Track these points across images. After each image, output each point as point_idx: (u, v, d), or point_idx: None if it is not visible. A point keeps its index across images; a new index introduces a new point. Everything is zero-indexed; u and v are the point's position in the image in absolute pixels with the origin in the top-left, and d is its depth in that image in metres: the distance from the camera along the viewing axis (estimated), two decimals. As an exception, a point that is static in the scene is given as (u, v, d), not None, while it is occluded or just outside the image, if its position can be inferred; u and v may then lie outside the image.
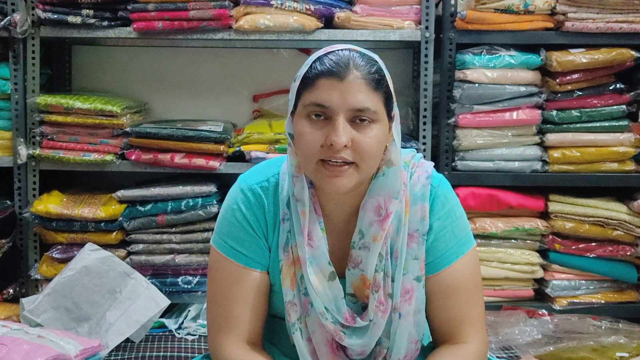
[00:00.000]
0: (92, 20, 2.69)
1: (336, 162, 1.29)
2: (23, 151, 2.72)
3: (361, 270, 1.39)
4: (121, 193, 2.73)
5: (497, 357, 1.93)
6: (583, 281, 2.80)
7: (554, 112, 2.75)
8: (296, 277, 1.40)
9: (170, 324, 2.64)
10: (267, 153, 2.72)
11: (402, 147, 1.42)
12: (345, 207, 1.41)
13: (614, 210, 2.75)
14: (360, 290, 1.41)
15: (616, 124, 2.76)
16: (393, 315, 1.39)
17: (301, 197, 1.38)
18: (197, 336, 2.58)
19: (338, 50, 1.33)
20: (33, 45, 2.73)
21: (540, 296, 2.85)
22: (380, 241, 1.36)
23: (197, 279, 2.73)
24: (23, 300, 2.52)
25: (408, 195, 1.40)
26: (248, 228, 1.42)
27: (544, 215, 2.80)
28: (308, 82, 1.31)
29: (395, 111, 1.38)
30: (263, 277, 1.44)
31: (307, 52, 3.09)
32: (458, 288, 1.41)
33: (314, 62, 1.32)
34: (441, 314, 1.43)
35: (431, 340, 1.51)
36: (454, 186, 2.82)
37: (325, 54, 1.32)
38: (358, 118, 1.29)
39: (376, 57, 1.37)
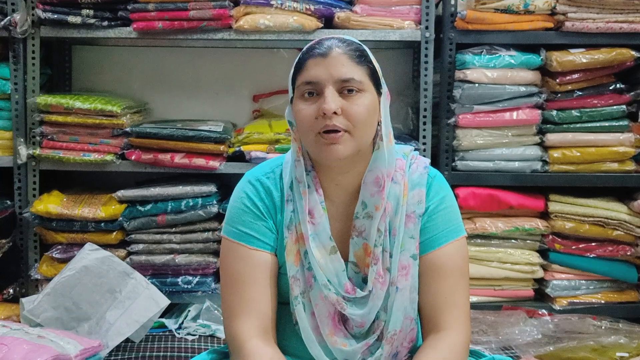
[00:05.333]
0: (92, 20, 2.69)
1: (331, 130, 1.40)
2: (23, 151, 2.73)
3: (364, 239, 1.49)
4: (121, 193, 2.73)
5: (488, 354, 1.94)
6: (583, 281, 2.80)
7: (554, 112, 2.75)
8: (300, 253, 1.50)
9: (170, 324, 2.64)
10: (267, 153, 2.72)
11: (401, 144, 1.51)
12: (345, 188, 1.51)
13: (614, 210, 2.75)
14: (362, 259, 1.49)
15: (616, 124, 2.76)
16: (391, 288, 1.47)
17: (302, 179, 1.48)
18: (197, 336, 2.58)
19: (324, 39, 1.48)
20: (33, 45, 2.73)
21: (540, 296, 2.85)
22: (381, 210, 1.46)
23: (197, 279, 2.73)
24: (23, 300, 2.52)
25: (407, 181, 1.51)
26: (256, 211, 1.52)
27: (544, 215, 2.80)
28: (299, 67, 1.46)
29: (384, 89, 1.49)
30: (273, 258, 1.52)
31: (307, 52, 3.09)
32: (445, 271, 1.49)
33: (303, 51, 1.47)
34: (428, 295, 1.49)
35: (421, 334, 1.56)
36: (454, 186, 2.82)
37: (314, 44, 1.47)
38: (346, 89, 1.42)
39: (360, 43, 1.49)
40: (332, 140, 1.40)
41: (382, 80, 1.48)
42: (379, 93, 1.47)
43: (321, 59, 1.42)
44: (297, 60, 1.47)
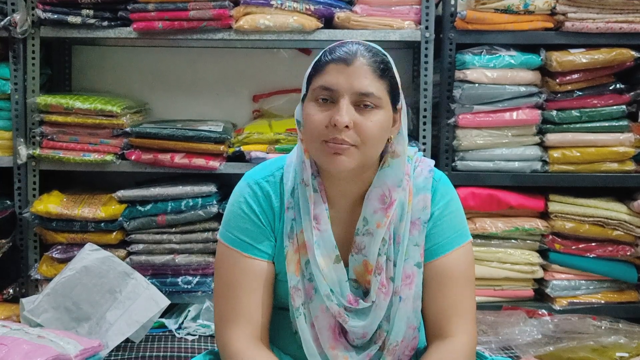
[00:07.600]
0: (92, 20, 2.69)
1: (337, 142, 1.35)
2: (23, 151, 2.72)
3: (364, 256, 1.44)
4: (121, 193, 2.73)
5: (489, 354, 1.93)
6: (583, 281, 2.80)
7: (554, 112, 2.75)
8: (301, 263, 1.46)
9: (170, 324, 2.64)
10: (267, 153, 2.72)
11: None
12: (349, 196, 1.47)
13: (614, 210, 2.75)
14: (362, 275, 1.46)
15: (616, 124, 2.76)
16: (394, 298, 1.44)
17: (309, 182, 1.43)
18: (197, 336, 2.58)
19: (349, 42, 1.42)
20: (33, 45, 2.73)
21: (540, 296, 2.85)
22: (383, 227, 1.42)
23: (197, 279, 2.73)
24: (23, 300, 2.52)
25: (411, 186, 1.47)
26: (254, 218, 1.47)
27: (544, 215, 2.80)
28: (318, 68, 1.39)
29: (403, 104, 1.44)
30: (269, 266, 1.48)
31: (307, 52, 3.09)
32: (451, 278, 1.46)
33: (325, 51, 1.41)
34: (433, 303, 1.47)
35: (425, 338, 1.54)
36: (454, 186, 2.82)
37: (337, 45, 1.41)
38: (362, 103, 1.36)
39: (384, 52, 1.44)
40: (337, 150, 1.35)
41: (402, 95, 1.43)
42: (395, 109, 1.41)
43: (343, 66, 1.35)
44: (317, 59, 1.40)
